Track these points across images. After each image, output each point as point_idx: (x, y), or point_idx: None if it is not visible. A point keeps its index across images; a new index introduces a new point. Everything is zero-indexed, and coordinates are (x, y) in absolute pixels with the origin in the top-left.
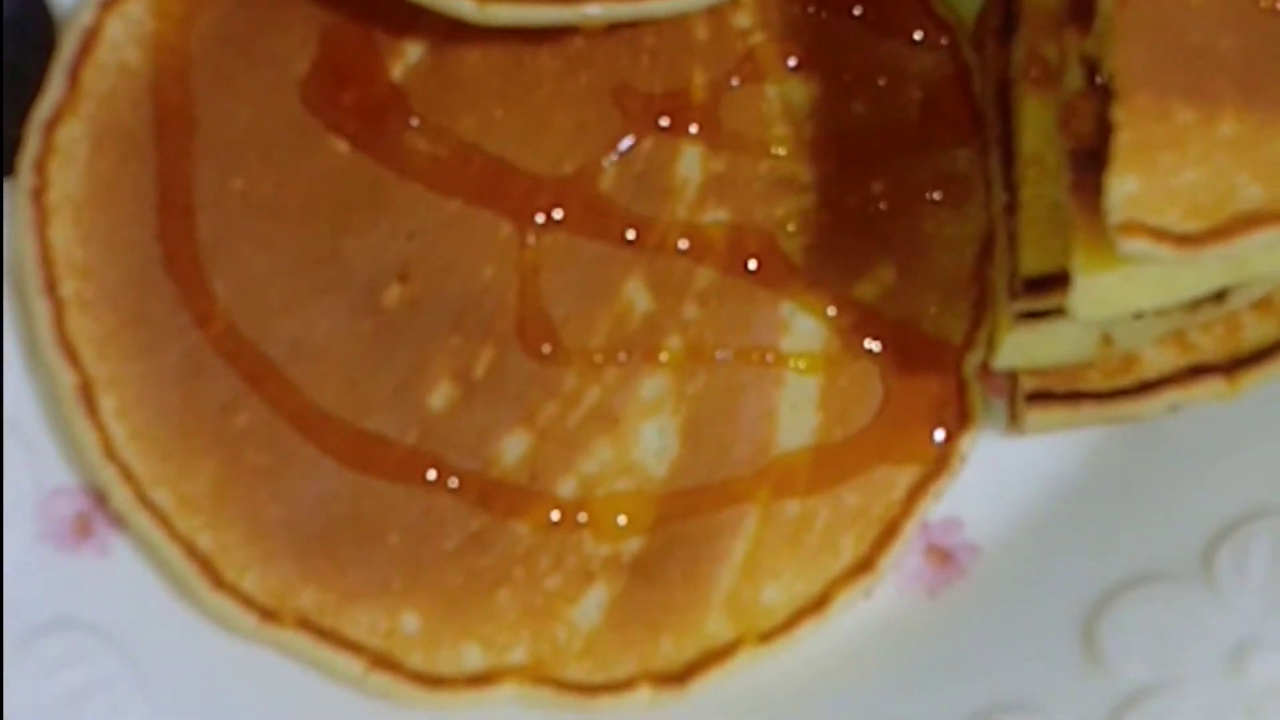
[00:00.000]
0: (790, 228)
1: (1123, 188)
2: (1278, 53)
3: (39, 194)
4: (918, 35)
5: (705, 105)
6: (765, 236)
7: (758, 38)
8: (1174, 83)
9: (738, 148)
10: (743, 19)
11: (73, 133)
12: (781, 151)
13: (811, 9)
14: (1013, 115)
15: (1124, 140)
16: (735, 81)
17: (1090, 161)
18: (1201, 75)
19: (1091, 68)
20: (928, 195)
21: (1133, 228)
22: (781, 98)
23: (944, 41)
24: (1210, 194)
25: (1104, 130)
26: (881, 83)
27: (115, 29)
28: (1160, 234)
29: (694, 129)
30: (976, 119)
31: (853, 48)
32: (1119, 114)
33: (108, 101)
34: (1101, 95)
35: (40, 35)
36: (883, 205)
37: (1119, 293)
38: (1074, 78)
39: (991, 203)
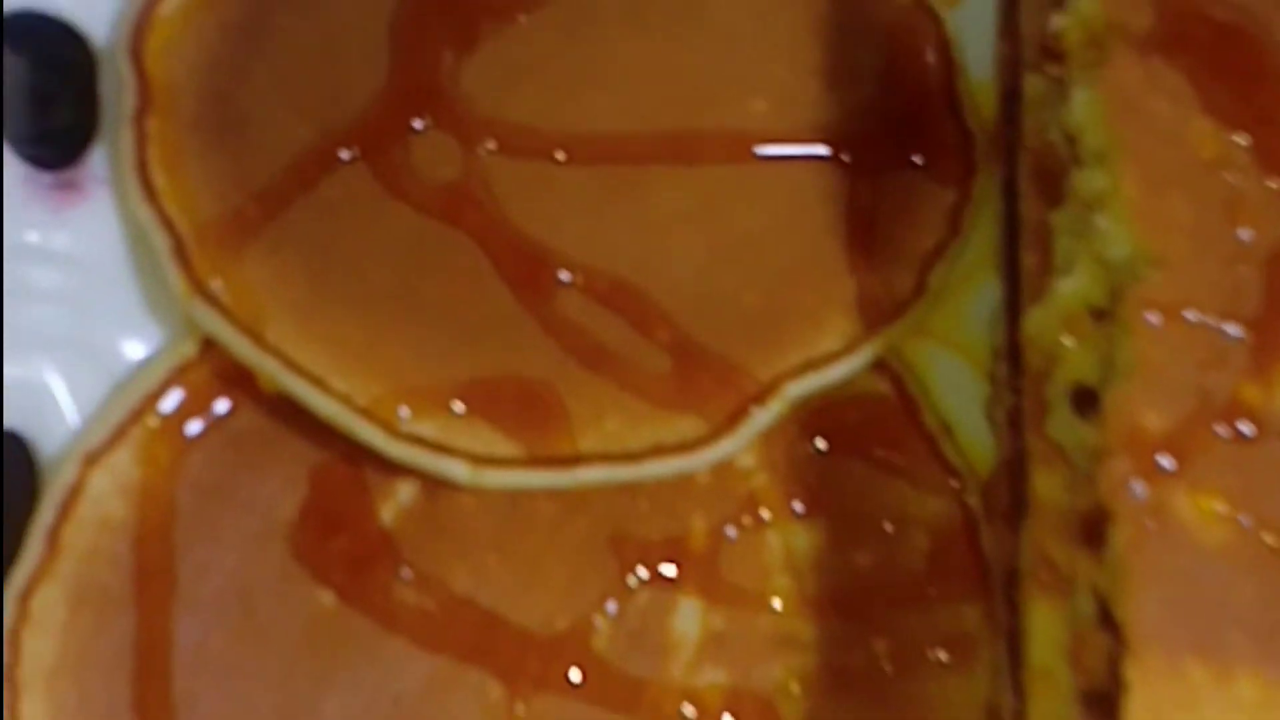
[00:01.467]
0: (791, 689)
1: None
2: None
3: (11, 669)
4: (923, 479)
5: (704, 554)
6: (763, 702)
7: (760, 479)
8: (1188, 639)
9: (737, 602)
10: (746, 458)
11: (49, 597)
12: (782, 605)
13: (817, 448)
14: (1020, 612)
15: (1135, 702)
16: (736, 528)
17: (1101, 704)
18: (1216, 630)
19: (1103, 598)
20: (933, 655)
21: None
22: (784, 545)
23: (953, 485)
24: None
25: (1115, 671)
26: (888, 529)
27: (99, 482)
28: None
29: (692, 581)
30: (984, 574)
31: (859, 490)
32: (1130, 672)
33: (87, 559)
34: (1113, 633)
35: (17, 496)
36: (886, 666)
37: None
38: (1085, 603)
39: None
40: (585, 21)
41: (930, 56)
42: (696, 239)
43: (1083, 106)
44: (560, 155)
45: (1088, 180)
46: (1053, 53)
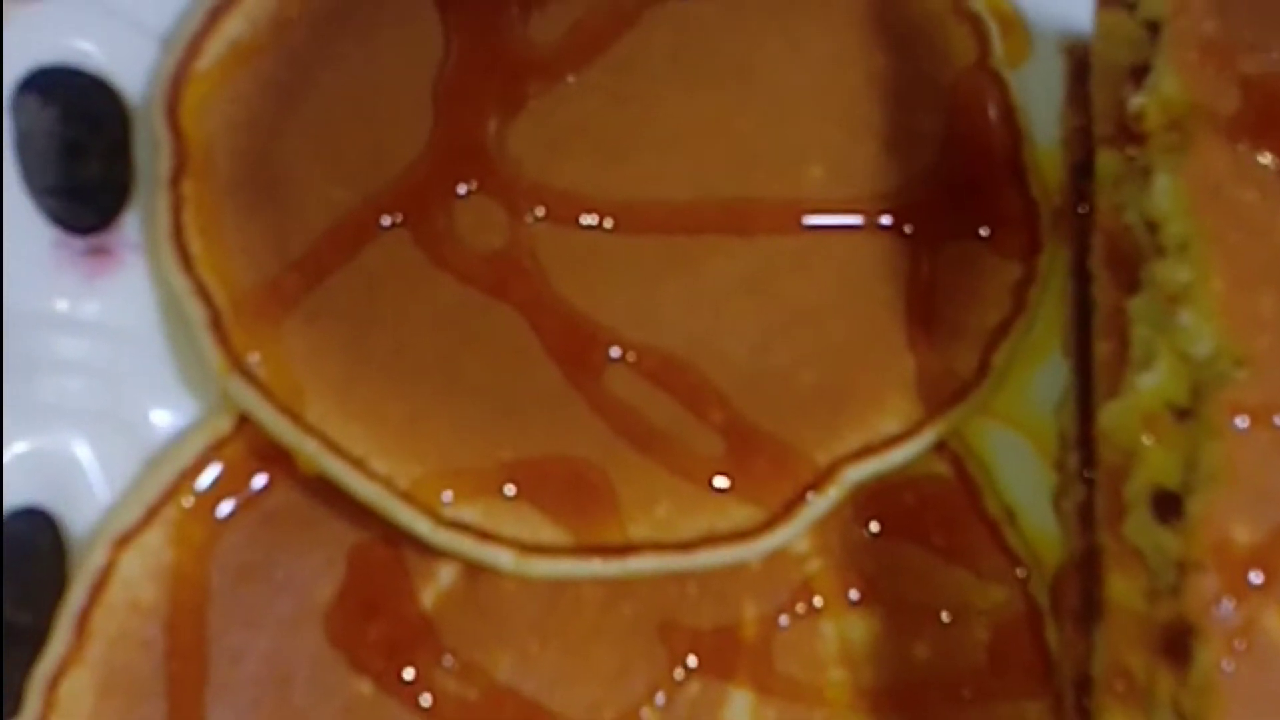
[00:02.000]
0: None
1: None
2: None
3: None
4: (985, 567)
5: (757, 644)
6: None
7: (815, 565)
8: None
9: (790, 695)
10: (800, 543)
11: (77, 685)
12: (837, 698)
13: (873, 533)
14: None
15: None
16: (789, 617)
17: None
18: None
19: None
20: None
21: None
22: (839, 636)
23: (1017, 575)
24: None
25: None
26: (946, 619)
27: (130, 564)
28: None
29: (743, 672)
30: (1048, 669)
31: (916, 577)
32: None
33: (117, 644)
34: None
35: (45, 576)
36: None
37: None
38: (1166, 718)
39: None
40: (635, 81)
41: (994, 121)
42: (751, 314)
43: (1165, 194)
44: (609, 224)
45: (1170, 271)
46: (1131, 133)
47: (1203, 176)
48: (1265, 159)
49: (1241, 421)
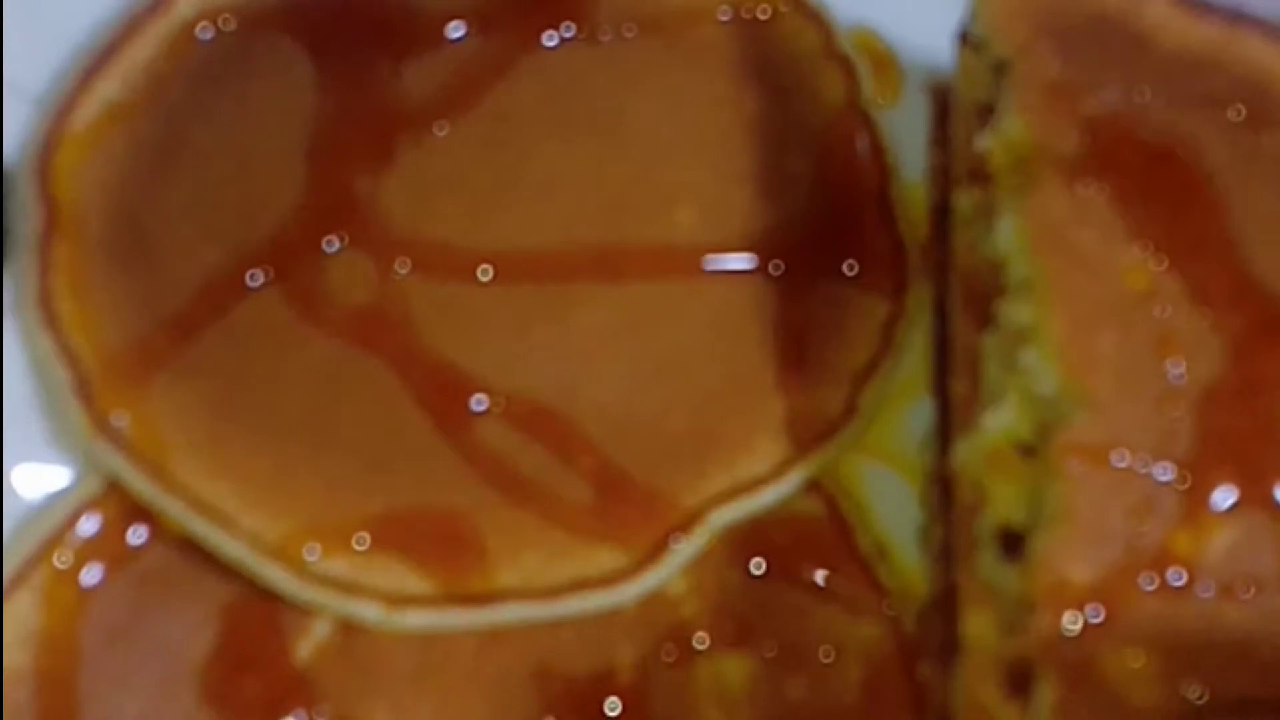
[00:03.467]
0: None
1: None
2: None
3: None
4: (858, 604)
5: (633, 688)
6: None
7: (690, 607)
8: None
9: None
10: (675, 585)
11: None
12: None
13: (748, 573)
14: None
15: None
16: (665, 659)
17: None
18: None
19: None
20: None
21: None
22: (715, 677)
23: (888, 612)
24: None
25: None
26: (822, 657)
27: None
28: None
29: (620, 717)
30: (919, 706)
31: (791, 616)
32: None
33: None
34: None
35: None
36: None
37: None
38: None
39: None
40: (505, 131)
41: (862, 160)
42: (620, 359)
43: (1008, 235)
44: (479, 274)
45: (1014, 312)
46: (980, 173)
47: (1043, 217)
48: (1104, 200)
49: (1080, 463)
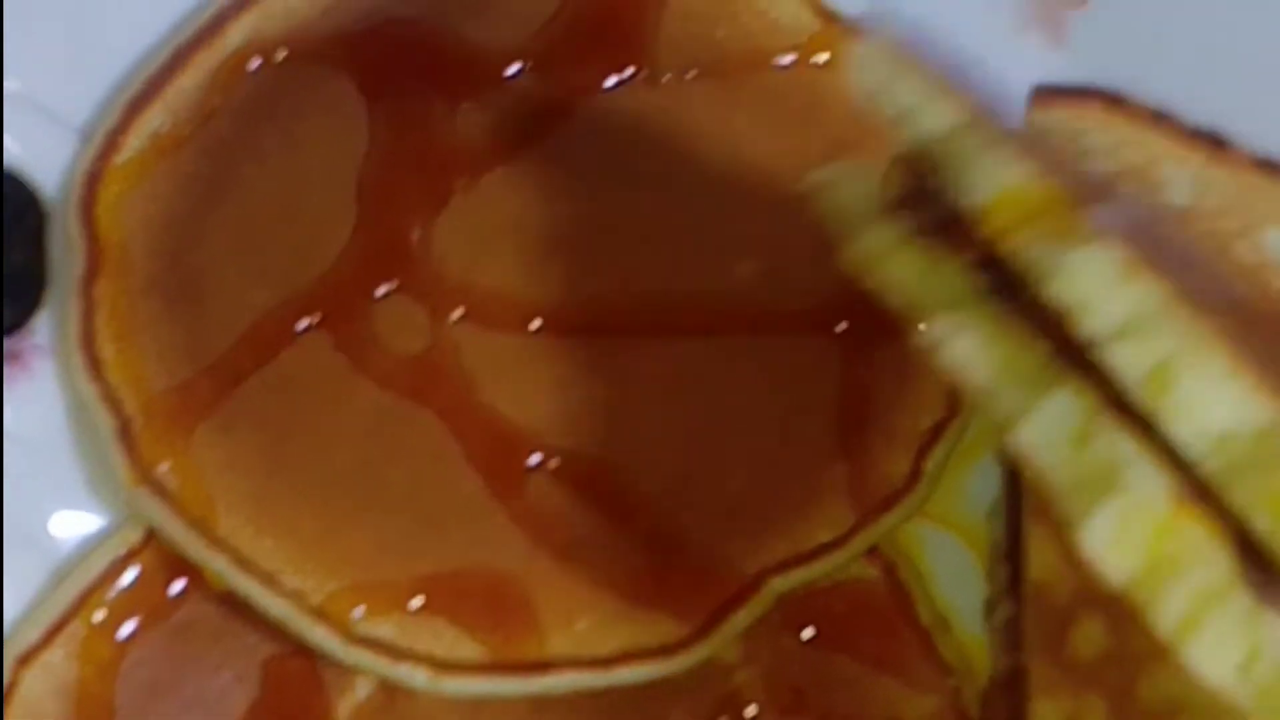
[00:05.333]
0: None
1: None
2: None
3: None
4: (916, 676)
5: None
6: None
7: (743, 675)
8: None
9: None
10: (728, 652)
11: None
12: None
13: (803, 641)
14: None
15: None
16: None
17: None
18: None
19: None
20: None
21: None
22: None
23: (948, 685)
24: None
25: None
26: None
27: (33, 683)
28: None
29: None
30: None
31: (847, 687)
32: None
33: None
34: None
35: None
36: None
37: None
38: None
39: None
40: (563, 176)
41: None
42: (677, 417)
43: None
44: (534, 324)
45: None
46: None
47: None
48: None
49: None
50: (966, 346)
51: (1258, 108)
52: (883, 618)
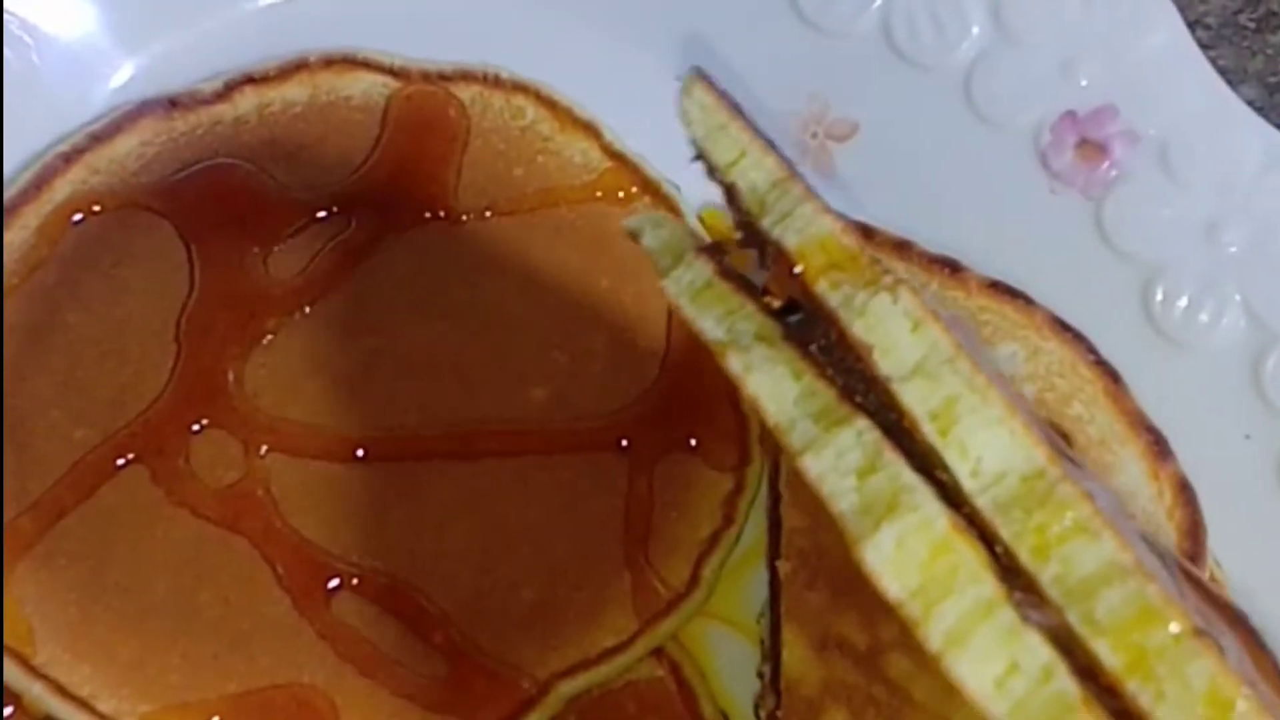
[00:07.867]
0: None
1: None
2: None
3: None
4: None
5: None
6: None
7: None
8: None
9: None
10: None
11: None
12: None
13: None
14: None
15: None
16: None
17: None
18: None
19: None
20: None
21: None
22: None
23: None
24: None
25: None
26: None
27: None
28: None
29: None
30: None
31: None
32: None
33: None
34: None
35: None
36: None
37: None
38: None
39: None
40: (366, 313)
41: None
42: (474, 535)
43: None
44: (340, 454)
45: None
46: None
47: None
48: None
49: None
50: (764, 381)
51: (987, 237)
52: (670, 713)
